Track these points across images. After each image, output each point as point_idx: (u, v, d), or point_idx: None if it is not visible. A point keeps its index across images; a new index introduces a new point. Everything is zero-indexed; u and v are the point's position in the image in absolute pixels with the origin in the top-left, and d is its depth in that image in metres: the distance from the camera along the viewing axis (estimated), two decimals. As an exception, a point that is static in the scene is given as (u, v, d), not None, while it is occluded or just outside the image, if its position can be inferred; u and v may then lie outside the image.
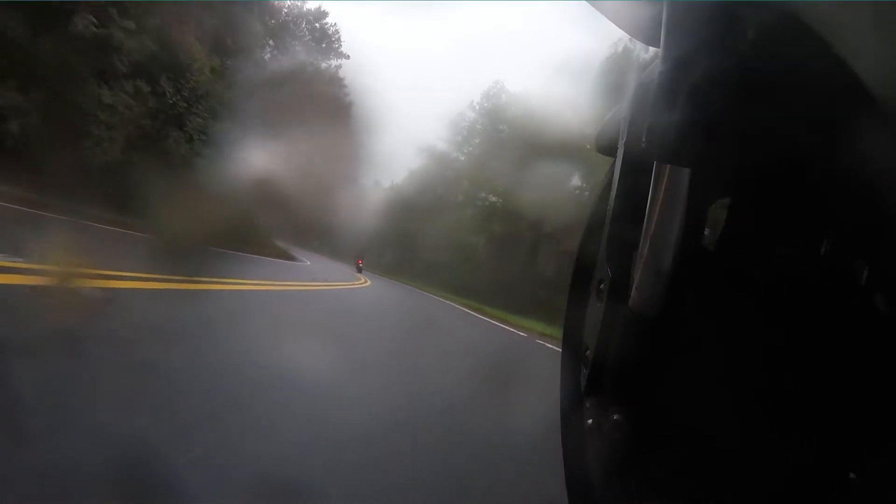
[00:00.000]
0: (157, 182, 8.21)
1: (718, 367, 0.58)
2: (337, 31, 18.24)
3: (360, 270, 23.50)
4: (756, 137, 0.52)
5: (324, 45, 18.00)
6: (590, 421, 0.72)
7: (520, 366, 6.01)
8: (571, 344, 0.87)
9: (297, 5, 17.69)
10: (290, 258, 15.68)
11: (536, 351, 7.94)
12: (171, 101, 10.95)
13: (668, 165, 0.55)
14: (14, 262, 3.11)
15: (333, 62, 18.46)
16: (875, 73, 0.37)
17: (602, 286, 0.66)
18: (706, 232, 0.65)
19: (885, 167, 0.39)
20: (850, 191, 0.49)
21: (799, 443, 0.51)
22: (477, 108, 26.74)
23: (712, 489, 0.57)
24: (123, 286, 3.55)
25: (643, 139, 0.55)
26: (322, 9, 17.89)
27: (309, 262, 16.77)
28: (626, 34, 0.66)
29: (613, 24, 0.65)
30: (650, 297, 0.59)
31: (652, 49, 0.65)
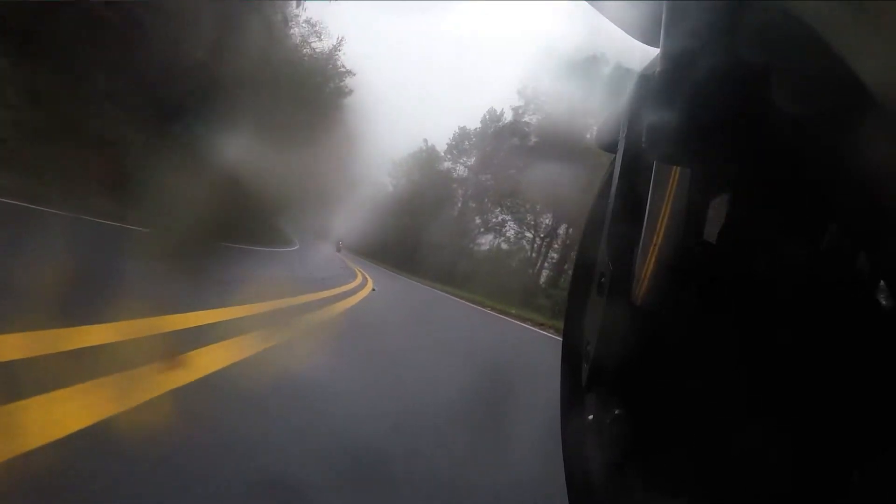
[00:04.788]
0: (157, 171, 8.06)
1: (720, 362, 0.58)
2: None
3: (338, 250, 33.37)
4: (756, 137, 0.52)
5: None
6: (591, 416, 0.72)
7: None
8: (572, 339, 0.88)
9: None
10: (287, 243, 17.22)
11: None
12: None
13: None
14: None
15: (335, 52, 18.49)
16: (875, 73, 0.37)
17: (603, 280, 0.66)
18: (707, 225, 0.65)
19: (886, 165, 0.39)
20: (852, 188, 0.49)
21: (801, 440, 0.51)
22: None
23: (713, 486, 0.58)
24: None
25: (643, 140, 0.55)
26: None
27: (298, 246, 18.58)
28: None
29: (613, 24, 0.64)
30: (651, 291, 0.59)
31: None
